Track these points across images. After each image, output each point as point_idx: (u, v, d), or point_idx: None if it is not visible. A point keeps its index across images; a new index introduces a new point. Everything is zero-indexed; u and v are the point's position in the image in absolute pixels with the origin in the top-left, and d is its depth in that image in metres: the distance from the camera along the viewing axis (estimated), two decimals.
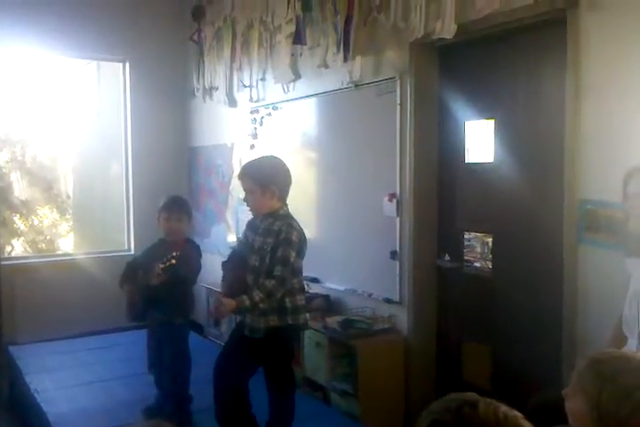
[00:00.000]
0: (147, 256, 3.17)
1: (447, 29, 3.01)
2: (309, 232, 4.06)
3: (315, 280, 4.04)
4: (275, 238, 2.63)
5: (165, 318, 3.04)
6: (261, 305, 2.58)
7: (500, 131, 3.12)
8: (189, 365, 3.14)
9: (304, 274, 2.86)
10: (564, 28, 2.64)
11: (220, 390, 2.71)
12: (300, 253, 2.69)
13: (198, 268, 3.14)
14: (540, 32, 2.88)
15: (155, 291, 2.95)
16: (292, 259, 2.61)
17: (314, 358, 3.65)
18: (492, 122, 3.15)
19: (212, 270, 3.18)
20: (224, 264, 2.92)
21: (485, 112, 3.19)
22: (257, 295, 2.55)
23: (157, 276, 2.88)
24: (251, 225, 2.86)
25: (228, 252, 3.53)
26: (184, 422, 2.97)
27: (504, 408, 1.07)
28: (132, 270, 3.15)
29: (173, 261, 2.83)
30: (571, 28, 2.60)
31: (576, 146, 2.61)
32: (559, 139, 2.71)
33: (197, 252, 3.18)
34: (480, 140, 3.23)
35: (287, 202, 2.82)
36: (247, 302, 2.55)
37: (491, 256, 3.19)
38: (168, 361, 3.12)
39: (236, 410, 2.72)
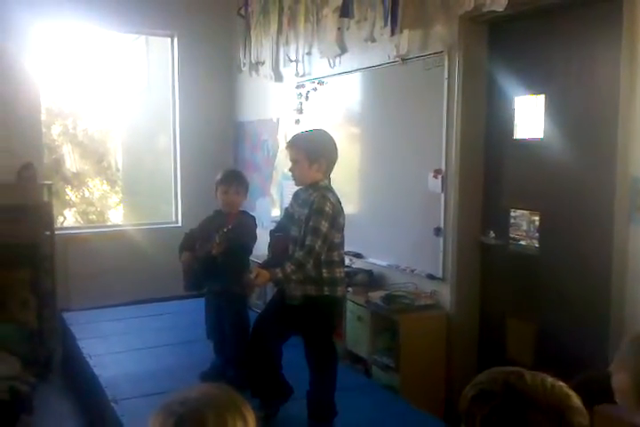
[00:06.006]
0: (203, 227, 3.26)
1: (498, 2, 2.93)
2: (353, 207, 4.08)
3: (358, 255, 4.07)
4: (309, 209, 2.67)
5: (224, 288, 3.11)
6: (294, 276, 2.64)
7: (550, 107, 3.05)
8: (249, 331, 3.22)
9: (347, 249, 2.88)
10: (621, 1, 2.55)
11: (253, 349, 2.84)
12: (335, 224, 2.68)
13: (254, 237, 3.20)
14: (595, 5, 2.79)
15: (214, 261, 3.03)
16: (323, 229, 2.62)
17: (355, 332, 3.70)
18: (542, 97, 3.09)
19: (257, 242, 3.25)
20: (272, 233, 2.99)
21: (536, 87, 3.12)
22: (288, 267, 2.61)
23: (217, 245, 2.97)
24: (295, 196, 2.91)
25: (271, 225, 3.58)
26: (244, 386, 3.07)
27: (551, 379, 1.09)
28: (190, 241, 3.25)
29: (230, 234, 2.94)
30: (628, 1, 2.51)
31: (630, 124, 2.54)
32: (612, 116, 2.64)
33: (253, 222, 3.25)
34: (529, 116, 3.17)
35: (331, 176, 2.83)
36: (279, 275, 2.63)
37: (537, 234, 3.15)
38: (229, 329, 3.22)
39: (263, 368, 2.85)
